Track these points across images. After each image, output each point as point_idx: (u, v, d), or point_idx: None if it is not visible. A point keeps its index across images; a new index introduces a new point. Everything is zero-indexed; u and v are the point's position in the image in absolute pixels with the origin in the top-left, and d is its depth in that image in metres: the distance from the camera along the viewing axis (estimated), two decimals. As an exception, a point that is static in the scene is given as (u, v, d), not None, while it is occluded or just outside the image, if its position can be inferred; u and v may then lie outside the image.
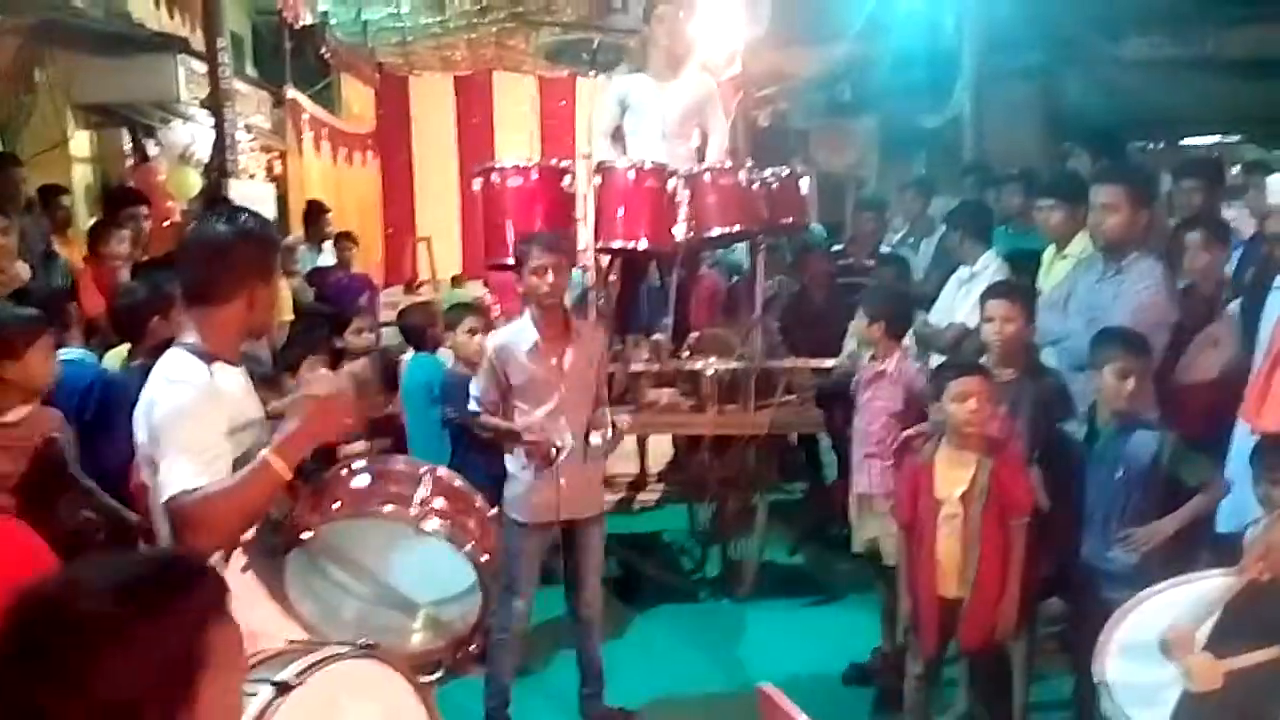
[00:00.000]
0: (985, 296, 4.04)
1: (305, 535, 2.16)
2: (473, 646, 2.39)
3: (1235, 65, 7.74)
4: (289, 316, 6.38)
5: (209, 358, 2.22)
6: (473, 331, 4.66)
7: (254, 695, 1.72)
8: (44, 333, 3.27)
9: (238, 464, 2.19)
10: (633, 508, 6.80)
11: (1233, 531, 3.43)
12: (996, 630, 3.44)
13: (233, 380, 2.28)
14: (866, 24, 8.79)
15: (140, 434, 2.21)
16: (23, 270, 5.12)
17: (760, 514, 5.16)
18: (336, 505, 2.18)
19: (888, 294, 4.69)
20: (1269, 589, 2.50)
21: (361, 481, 2.26)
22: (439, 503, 2.24)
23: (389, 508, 2.22)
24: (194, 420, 2.13)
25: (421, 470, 2.30)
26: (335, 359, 4.71)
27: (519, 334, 3.86)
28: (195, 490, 2.07)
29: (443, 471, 2.35)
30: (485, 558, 2.25)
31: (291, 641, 2.15)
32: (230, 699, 1.35)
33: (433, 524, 2.19)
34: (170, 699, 1.24)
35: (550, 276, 3.73)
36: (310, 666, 1.87)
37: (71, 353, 3.91)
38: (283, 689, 1.77)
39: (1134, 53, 8.01)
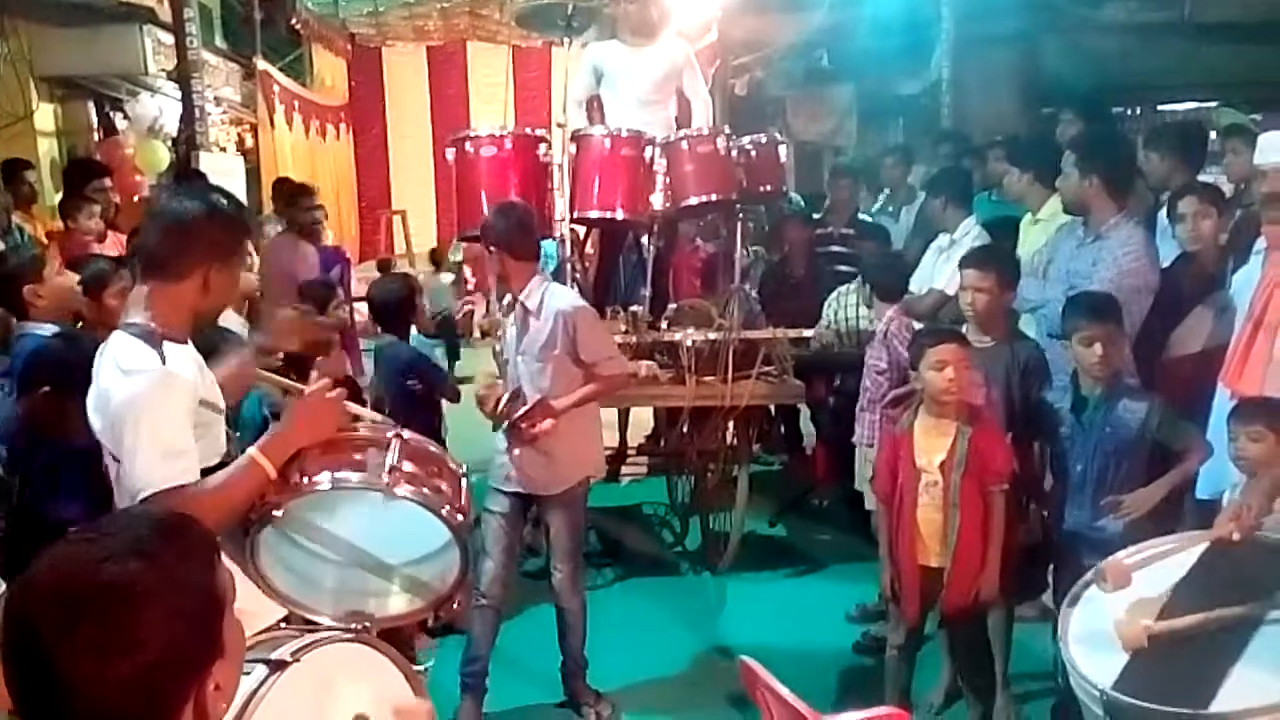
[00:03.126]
0: (962, 264, 4.02)
1: (277, 513, 2.11)
2: (455, 604, 2.37)
3: (1213, 29, 7.72)
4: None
5: (156, 339, 2.16)
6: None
7: (248, 674, 1.70)
8: None
9: (203, 446, 2.15)
10: (613, 480, 6.78)
11: (1211, 498, 3.43)
12: (978, 598, 3.43)
13: (185, 360, 2.22)
14: (844, -10, 8.72)
15: (95, 421, 2.15)
16: None
17: (741, 486, 5.13)
18: (305, 480, 2.13)
19: (880, 258, 4.98)
20: (1231, 554, 2.51)
21: (327, 452, 2.20)
22: (408, 466, 2.19)
23: (358, 476, 2.17)
24: (155, 412, 2.08)
25: (389, 435, 2.25)
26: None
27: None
28: (177, 489, 2.04)
29: (409, 434, 2.30)
30: (460, 518, 2.22)
31: (282, 625, 2.14)
32: (241, 635, 1.37)
33: (404, 489, 2.15)
34: (206, 642, 1.27)
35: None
36: (304, 647, 1.86)
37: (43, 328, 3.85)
38: (277, 666, 1.76)
39: (1112, 17, 7.99)
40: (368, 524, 2.23)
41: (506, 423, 3.76)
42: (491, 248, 3.84)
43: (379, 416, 2.53)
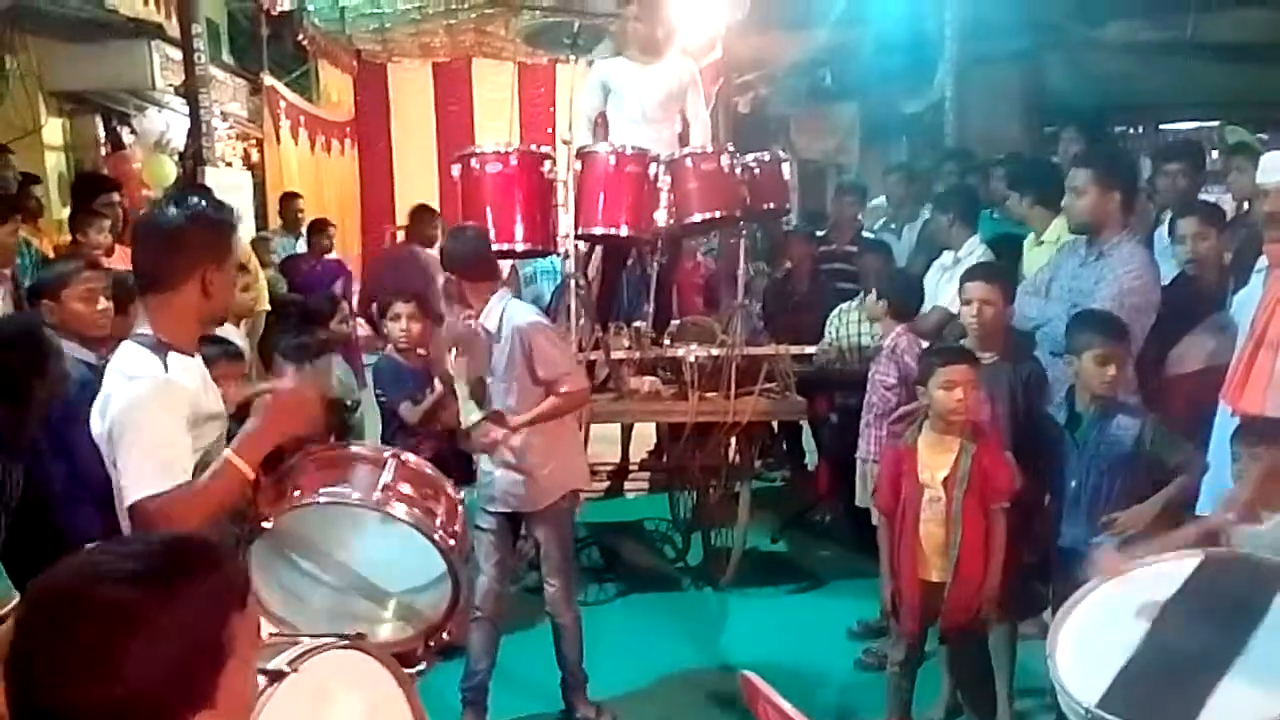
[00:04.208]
0: (965, 279, 4.05)
1: (265, 525, 2.12)
2: (445, 634, 2.35)
3: (1216, 49, 7.75)
4: (265, 307, 6.34)
5: (163, 349, 2.19)
6: (396, 317, 4.63)
7: None
8: None
9: (199, 458, 2.17)
10: (615, 496, 6.78)
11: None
12: (979, 614, 3.43)
13: (189, 371, 2.24)
14: (847, 9, 8.76)
15: (95, 425, 2.19)
16: None
17: (743, 502, 5.13)
18: (297, 493, 2.14)
19: (897, 277, 5.01)
20: (1221, 571, 2.51)
21: (323, 468, 2.21)
22: (405, 488, 2.20)
23: (348, 492, 2.18)
24: (150, 418, 2.10)
25: (385, 455, 2.26)
26: (320, 348, 4.65)
27: None
28: (159, 495, 2.06)
29: (407, 456, 2.31)
30: (452, 543, 2.21)
31: (273, 635, 2.13)
32: (247, 690, 1.32)
33: (398, 509, 2.15)
34: (194, 689, 1.20)
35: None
36: (300, 655, 1.86)
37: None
38: (275, 676, 1.75)
39: (1115, 37, 8.01)
40: (362, 547, 2.24)
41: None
42: (448, 272, 3.87)
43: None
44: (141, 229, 2.36)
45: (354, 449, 2.34)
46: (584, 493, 6.10)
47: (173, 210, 2.27)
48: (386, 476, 2.19)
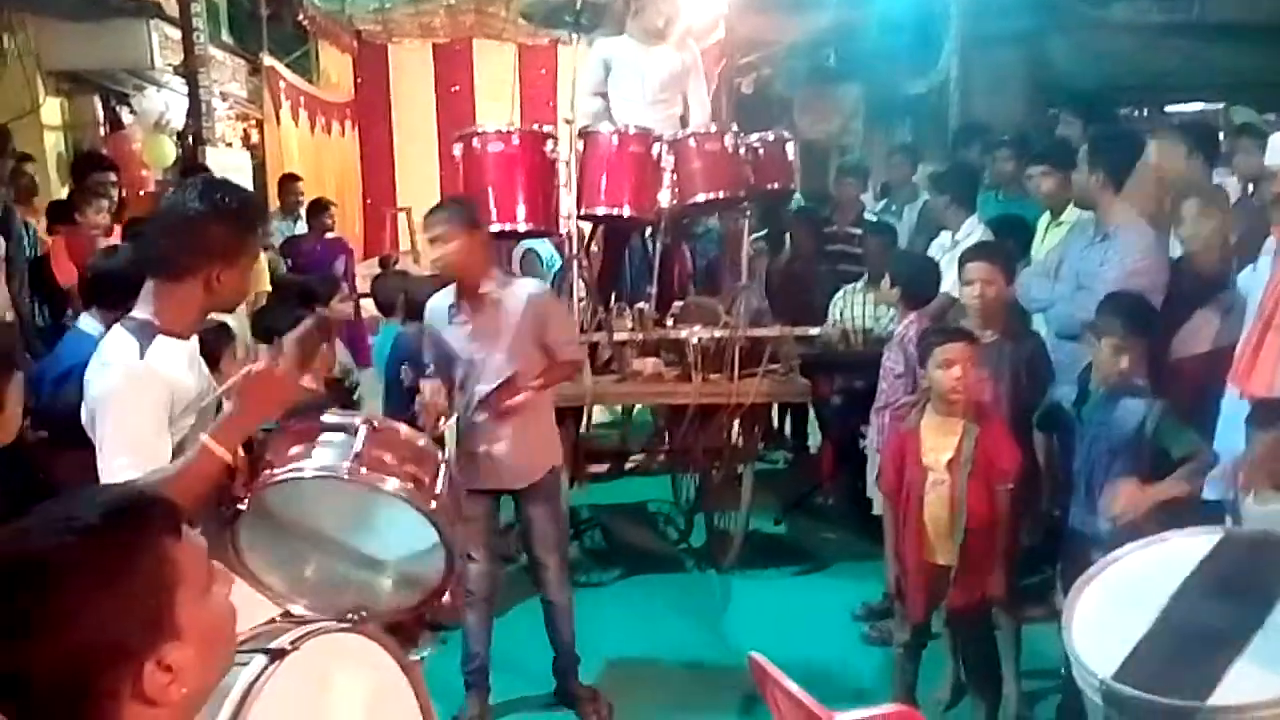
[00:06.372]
0: (965, 259, 4.03)
1: (242, 506, 2.08)
2: (446, 597, 2.30)
3: (1222, 29, 7.69)
4: (265, 287, 6.32)
5: (150, 333, 2.15)
6: None
7: (245, 664, 1.67)
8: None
9: (182, 443, 2.16)
10: (617, 477, 6.77)
11: (1220, 499, 3.41)
12: (985, 596, 3.42)
13: (174, 356, 2.21)
14: (851, -11, 8.70)
15: (83, 413, 2.17)
16: None
17: (746, 484, 5.12)
18: (268, 470, 2.09)
19: (911, 261, 4.91)
20: (1240, 550, 2.49)
21: (295, 441, 2.16)
22: (378, 453, 2.13)
23: (318, 464, 2.09)
24: (123, 407, 2.08)
25: (357, 422, 2.19)
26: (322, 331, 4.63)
27: (444, 296, 3.80)
28: (132, 481, 2.02)
29: (380, 421, 2.23)
30: (434, 505, 2.14)
31: (274, 619, 2.11)
32: (217, 619, 1.29)
33: (367, 475, 2.09)
34: (148, 622, 1.18)
35: (438, 248, 3.61)
36: (301, 636, 1.83)
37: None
38: (276, 655, 1.73)
39: (1120, 17, 7.95)
40: (350, 517, 2.18)
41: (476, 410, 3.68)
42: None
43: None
44: (162, 211, 2.30)
45: (325, 418, 2.25)
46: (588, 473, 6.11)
47: (196, 200, 2.19)
48: (358, 444, 2.12)
